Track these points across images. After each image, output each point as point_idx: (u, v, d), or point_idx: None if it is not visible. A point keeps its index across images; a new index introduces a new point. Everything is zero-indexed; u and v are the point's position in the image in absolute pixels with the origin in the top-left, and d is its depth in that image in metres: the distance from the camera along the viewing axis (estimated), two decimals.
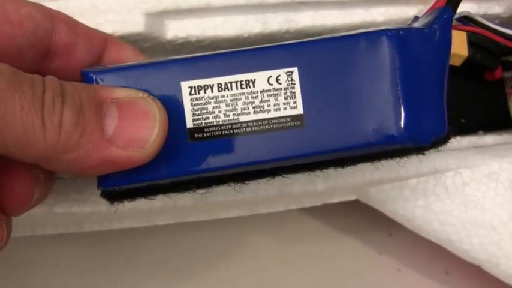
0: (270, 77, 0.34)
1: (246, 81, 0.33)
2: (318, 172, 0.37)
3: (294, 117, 0.34)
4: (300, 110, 0.34)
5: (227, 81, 0.33)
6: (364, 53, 0.34)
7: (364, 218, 0.49)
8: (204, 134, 0.33)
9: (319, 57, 0.34)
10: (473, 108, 0.50)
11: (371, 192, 0.44)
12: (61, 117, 0.28)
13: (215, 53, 0.33)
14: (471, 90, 0.50)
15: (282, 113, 0.34)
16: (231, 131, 0.33)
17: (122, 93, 0.31)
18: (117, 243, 0.48)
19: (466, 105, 0.49)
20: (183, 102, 0.33)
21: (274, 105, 0.34)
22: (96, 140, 0.29)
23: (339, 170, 0.43)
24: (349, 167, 0.38)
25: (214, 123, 0.33)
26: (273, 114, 0.34)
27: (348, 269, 0.49)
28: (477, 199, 0.44)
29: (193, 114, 0.33)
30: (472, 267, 0.45)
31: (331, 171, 0.43)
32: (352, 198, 0.45)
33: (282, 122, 0.34)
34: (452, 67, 0.45)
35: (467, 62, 0.46)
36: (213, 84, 0.33)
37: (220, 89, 0.33)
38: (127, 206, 0.41)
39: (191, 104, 0.33)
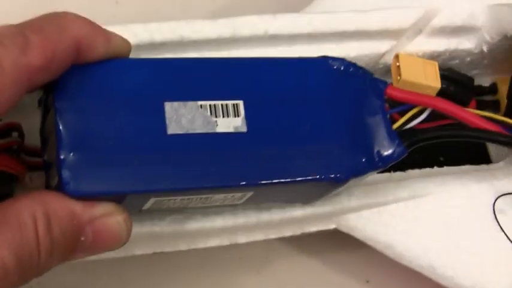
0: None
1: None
2: None
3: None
4: None
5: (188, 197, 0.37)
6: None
7: (340, 266, 0.48)
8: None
9: None
10: (451, 145, 0.50)
11: (350, 219, 0.44)
12: (51, 264, 0.32)
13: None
14: None
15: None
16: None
17: (99, 211, 0.34)
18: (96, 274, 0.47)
19: (444, 142, 0.49)
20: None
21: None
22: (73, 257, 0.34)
23: None
24: None
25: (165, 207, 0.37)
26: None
27: None
28: (458, 223, 0.44)
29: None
30: None
31: None
32: (332, 226, 0.44)
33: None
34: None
35: (440, 94, 0.46)
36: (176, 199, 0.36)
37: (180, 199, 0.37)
38: None
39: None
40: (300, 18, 0.45)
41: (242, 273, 0.49)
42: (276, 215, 0.43)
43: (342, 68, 0.40)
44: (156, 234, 0.42)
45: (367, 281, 0.50)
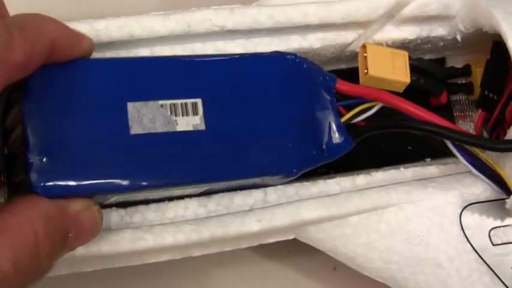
0: None
1: None
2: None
3: None
4: None
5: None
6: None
7: (307, 253, 0.47)
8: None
9: None
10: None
11: (310, 231, 0.42)
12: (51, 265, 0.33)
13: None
14: None
15: None
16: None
17: (78, 206, 0.35)
18: None
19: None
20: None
21: None
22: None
23: (273, 211, 0.41)
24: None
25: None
26: None
27: None
28: (421, 235, 0.42)
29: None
30: None
31: (266, 213, 0.41)
32: (290, 237, 0.42)
33: None
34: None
35: (410, 88, 0.44)
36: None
37: None
38: None
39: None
40: (259, 12, 0.42)
41: (204, 264, 0.48)
42: (231, 230, 0.40)
43: (294, 64, 0.41)
44: (104, 255, 0.40)
45: (334, 268, 0.49)
